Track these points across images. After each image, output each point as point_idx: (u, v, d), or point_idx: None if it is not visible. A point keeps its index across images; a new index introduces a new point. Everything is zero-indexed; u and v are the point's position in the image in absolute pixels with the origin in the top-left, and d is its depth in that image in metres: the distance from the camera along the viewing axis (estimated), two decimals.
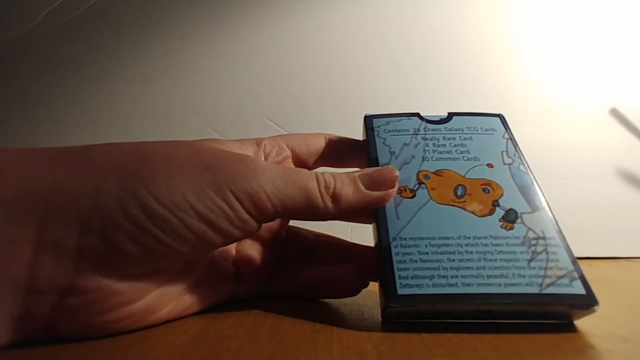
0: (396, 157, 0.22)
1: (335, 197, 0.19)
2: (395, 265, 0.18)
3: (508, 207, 0.20)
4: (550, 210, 0.20)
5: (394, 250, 0.19)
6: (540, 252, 0.18)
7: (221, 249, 0.22)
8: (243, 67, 0.47)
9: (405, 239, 0.19)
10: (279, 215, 0.18)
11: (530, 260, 0.18)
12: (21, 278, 0.15)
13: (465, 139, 0.23)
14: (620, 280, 0.31)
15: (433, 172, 0.22)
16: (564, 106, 0.46)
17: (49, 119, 0.46)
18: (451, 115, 0.25)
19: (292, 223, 0.25)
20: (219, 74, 0.47)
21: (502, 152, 0.23)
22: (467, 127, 0.24)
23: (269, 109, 0.46)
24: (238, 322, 0.19)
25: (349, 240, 0.26)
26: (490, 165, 0.22)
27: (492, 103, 0.46)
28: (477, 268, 0.18)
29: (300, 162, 0.25)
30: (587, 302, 0.17)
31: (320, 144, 0.25)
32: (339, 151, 0.26)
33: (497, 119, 0.25)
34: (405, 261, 0.18)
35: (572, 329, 0.18)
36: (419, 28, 0.47)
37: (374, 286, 0.22)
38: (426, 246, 0.19)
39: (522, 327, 0.17)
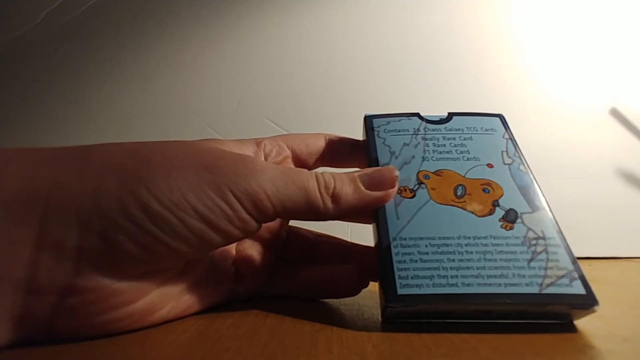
0: (396, 157, 0.22)
1: (335, 197, 0.19)
2: (395, 265, 0.18)
3: (508, 207, 0.20)
4: (550, 210, 0.20)
5: (394, 250, 0.19)
6: (540, 252, 0.18)
7: (221, 249, 0.22)
8: (243, 67, 0.47)
9: (405, 239, 0.19)
10: (278, 215, 0.18)
11: (530, 260, 0.18)
12: (21, 278, 0.15)
13: (465, 139, 0.23)
14: (620, 280, 0.31)
15: (433, 172, 0.22)
16: (564, 106, 0.46)
17: (49, 119, 0.46)
18: (451, 115, 0.25)
19: (292, 223, 0.25)
20: (219, 74, 0.47)
21: (502, 152, 0.23)
22: (467, 127, 0.24)
23: (269, 109, 0.46)
24: (238, 322, 0.19)
25: (349, 240, 0.26)
26: (490, 165, 0.22)
27: (492, 103, 0.46)
28: (477, 268, 0.18)
29: (300, 162, 0.25)
30: (587, 302, 0.17)
31: (320, 144, 0.25)
32: (339, 151, 0.26)
33: (497, 119, 0.25)
34: (405, 261, 0.18)
35: (572, 329, 0.18)
36: (419, 28, 0.47)
37: (374, 286, 0.22)
38: (426, 246, 0.19)
39: (522, 327, 0.17)
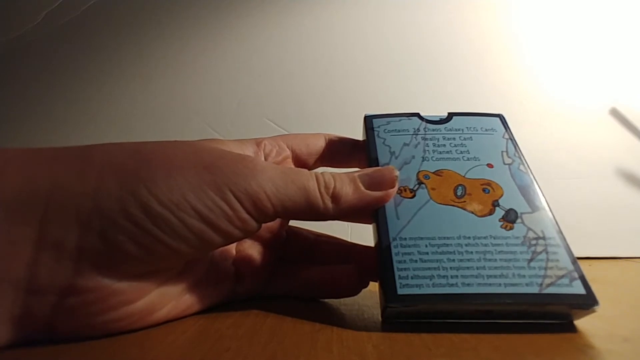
0: (396, 157, 0.22)
1: (335, 197, 0.19)
2: (395, 265, 0.18)
3: (508, 207, 0.20)
4: (550, 210, 0.20)
5: (394, 250, 0.19)
6: (540, 252, 0.18)
7: (221, 249, 0.22)
8: (243, 67, 0.47)
9: (405, 239, 0.19)
10: (278, 215, 0.18)
11: (530, 260, 0.18)
12: (21, 278, 0.15)
13: (465, 139, 0.23)
14: (620, 280, 0.31)
15: (433, 172, 0.22)
16: (564, 106, 0.46)
17: (49, 119, 0.46)
18: (451, 115, 0.25)
19: (292, 223, 0.25)
20: (219, 74, 0.47)
21: (502, 152, 0.23)
22: (467, 127, 0.24)
23: (269, 109, 0.46)
24: (238, 322, 0.19)
25: (349, 240, 0.26)
26: (490, 165, 0.22)
27: (492, 103, 0.46)
28: (477, 268, 0.18)
29: (300, 162, 0.25)
30: (587, 302, 0.17)
31: (320, 144, 0.25)
32: (339, 151, 0.26)
33: (497, 119, 0.25)
34: (405, 261, 0.18)
35: (572, 329, 0.18)
36: (419, 28, 0.47)
37: (374, 286, 0.22)
38: (426, 246, 0.19)
39: (522, 327, 0.17)
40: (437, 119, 0.25)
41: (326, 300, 0.24)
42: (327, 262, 0.24)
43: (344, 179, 0.20)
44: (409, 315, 0.18)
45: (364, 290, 0.23)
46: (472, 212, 0.20)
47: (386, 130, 0.24)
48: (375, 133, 0.24)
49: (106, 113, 0.46)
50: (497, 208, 0.20)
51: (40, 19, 0.47)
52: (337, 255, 0.25)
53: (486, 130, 0.24)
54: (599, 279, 0.27)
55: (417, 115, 0.25)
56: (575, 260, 0.18)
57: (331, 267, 0.23)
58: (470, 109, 0.25)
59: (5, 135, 0.46)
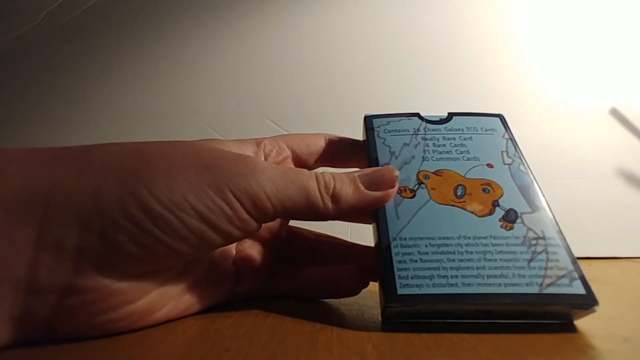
0: (396, 157, 0.22)
1: (335, 197, 0.19)
2: (395, 265, 0.18)
3: (508, 207, 0.20)
4: (550, 210, 0.20)
5: (394, 250, 0.19)
6: (540, 252, 0.18)
7: (221, 249, 0.22)
8: (243, 67, 0.47)
9: (405, 239, 0.19)
10: (278, 215, 0.18)
11: (530, 260, 0.18)
12: (21, 278, 0.15)
13: (465, 139, 0.23)
14: (620, 280, 0.31)
15: (433, 172, 0.22)
16: (564, 106, 0.46)
17: (49, 119, 0.46)
18: (451, 115, 0.25)
19: (292, 223, 0.25)
20: (219, 74, 0.47)
21: (502, 152, 0.23)
22: (467, 127, 0.24)
23: (269, 109, 0.46)
24: (238, 322, 0.19)
25: (349, 240, 0.26)
26: (490, 165, 0.22)
27: (492, 103, 0.46)
28: (477, 268, 0.18)
29: (300, 162, 0.25)
30: (587, 302, 0.17)
31: (320, 144, 0.25)
32: (339, 151, 0.26)
33: (497, 119, 0.25)
34: (405, 261, 0.18)
35: (572, 329, 0.18)
36: (419, 28, 0.47)
37: (374, 286, 0.22)
38: (426, 246, 0.19)
39: (522, 327, 0.17)
40: (437, 119, 0.25)
41: (326, 300, 0.24)
42: (327, 262, 0.24)
43: (344, 179, 0.20)
44: (409, 315, 0.18)
45: (364, 290, 0.23)
46: (472, 212, 0.20)
47: (386, 130, 0.24)
48: (375, 133, 0.24)
49: (106, 113, 0.46)
50: (497, 208, 0.20)
51: (40, 19, 0.47)
52: (337, 255, 0.25)
53: (486, 130, 0.24)
54: (599, 279, 0.27)
55: (417, 115, 0.25)
56: (575, 260, 0.18)
57: (331, 267, 0.23)
58: (470, 109, 0.25)
59: (5, 135, 0.46)
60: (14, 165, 0.16)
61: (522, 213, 0.20)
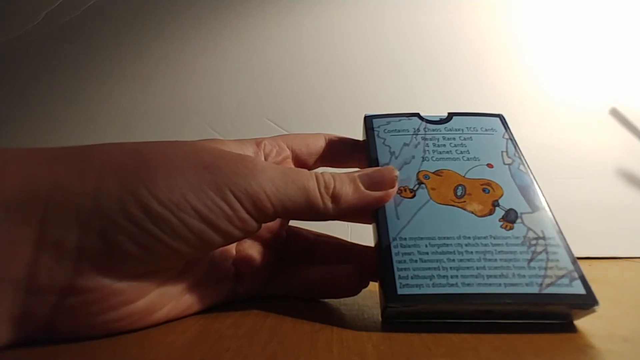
0: (396, 157, 0.22)
1: (335, 197, 0.19)
2: (395, 265, 0.18)
3: (508, 207, 0.20)
4: (550, 210, 0.20)
5: (394, 250, 0.19)
6: (540, 252, 0.18)
7: (221, 249, 0.22)
8: (243, 67, 0.47)
9: (405, 239, 0.19)
10: (278, 215, 0.18)
11: (530, 260, 0.18)
12: (21, 278, 0.15)
13: (465, 139, 0.23)
14: (620, 280, 0.31)
15: (433, 172, 0.22)
16: (564, 106, 0.46)
17: (49, 119, 0.46)
18: (451, 115, 0.25)
19: (292, 223, 0.25)
20: (219, 74, 0.47)
21: (502, 152, 0.23)
22: (467, 127, 0.24)
23: (269, 109, 0.46)
24: (238, 322, 0.19)
25: (349, 240, 0.26)
26: (490, 166, 0.22)
27: (492, 103, 0.46)
28: (477, 268, 0.18)
29: (300, 162, 0.25)
30: (587, 302, 0.17)
31: (320, 144, 0.25)
32: (339, 151, 0.26)
33: (497, 119, 0.25)
34: (405, 261, 0.18)
35: (572, 329, 0.18)
36: (419, 28, 0.47)
37: (374, 286, 0.22)
38: (426, 246, 0.19)
39: (522, 327, 0.17)
40: (437, 119, 0.25)
41: (326, 300, 0.24)
42: (327, 262, 0.24)
43: (344, 179, 0.20)
44: (409, 315, 0.18)
45: (364, 290, 0.23)
46: (472, 212, 0.20)
47: (386, 130, 0.24)
48: (375, 133, 0.24)
49: (106, 113, 0.46)
50: (497, 208, 0.20)
51: (40, 19, 0.47)
52: (337, 255, 0.25)
53: (486, 130, 0.24)
54: (599, 279, 0.27)
55: (417, 115, 0.25)
56: (575, 260, 0.18)
57: (331, 267, 0.23)
58: (470, 109, 0.25)
59: (5, 135, 0.46)
60: (14, 165, 0.16)
61: (522, 213, 0.20)
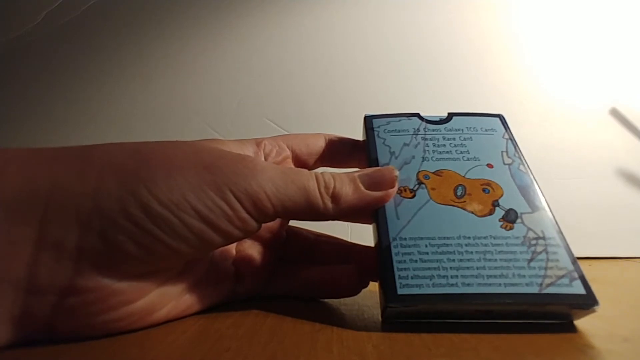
0: (396, 157, 0.22)
1: (335, 197, 0.19)
2: (395, 265, 0.18)
3: (508, 207, 0.20)
4: (550, 210, 0.20)
5: (394, 250, 0.19)
6: (540, 252, 0.18)
7: (221, 249, 0.22)
8: (243, 67, 0.47)
9: (405, 239, 0.19)
10: (278, 215, 0.18)
11: (530, 260, 0.18)
12: (21, 278, 0.15)
13: (465, 139, 0.23)
14: (620, 280, 0.31)
15: (433, 172, 0.22)
16: (564, 106, 0.46)
17: (49, 119, 0.46)
18: (451, 115, 0.25)
19: (292, 223, 0.25)
20: (219, 74, 0.47)
21: (502, 152, 0.23)
22: (467, 128, 0.24)
23: (269, 109, 0.46)
24: (238, 322, 0.19)
25: (349, 240, 0.26)
26: (490, 166, 0.22)
27: (492, 103, 0.46)
28: (477, 268, 0.18)
29: (300, 162, 0.25)
30: (587, 302, 0.17)
31: (320, 144, 0.25)
32: (339, 151, 0.26)
33: (497, 119, 0.25)
34: (405, 261, 0.18)
35: (572, 329, 0.18)
36: (419, 28, 0.47)
37: (374, 286, 0.22)
38: (426, 246, 0.19)
39: (522, 327, 0.17)
40: (437, 119, 0.25)
41: (326, 300, 0.24)
42: (327, 262, 0.24)
43: (344, 179, 0.20)
44: (409, 315, 0.18)
45: (364, 290, 0.23)
46: (472, 212, 0.20)
47: (386, 131, 0.24)
48: (375, 133, 0.24)
49: (106, 113, 0.46)
50: (497, 208, 0.20)
51: (40, 19, 0.47)
52: (337, 255, 0.25)
53: (486, 130, 0.24)
54: (599, 279, 0.27)
55: (417, 115, 0.25)
56: (575, 260, 0.18)
57: (331, 267, 0.23)
58: (470, 109, 0.25)
59: (5, 135, 0.46)
60: (14, 165, 0.16)
61: (522, 213, 0.20)
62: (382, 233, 0.19)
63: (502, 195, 0.21)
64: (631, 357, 0.15)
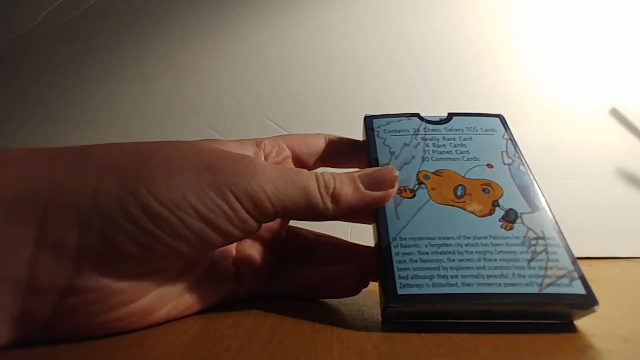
0: (396, 158, 0.22)
1: (334, 197, 0.19)
2: (395, 265, 0.18)
3: (508, 207, 0.20)
4: (550, 210, 0.20)
5: (394, 250, 0.19)
6: (540, 252, 0.18)
7: (221, 249, 0.22)
8: (243, 67, 0.47)
9: (405, 239, 0.19)
10: (278, 215, 0.18)
11: (530, 260, 0.18)
12: (21, 278, 0.15)
13: (465, 139, 0.23)
14: (620, 280, 0.31)
15: (433, 172, 0.22)
16: (564, 106, 0.46)
17: (49, 119, 0.46)
18: (451, 115, 0.25)
19: (292, 223, 0.25)
20: (219, 74, 0.47)
21: (501, 152, 0.23)
22: (466, 128, 0.24)
23: (269, 109, 0.46)
24: (238, 322, 0.19)
25: (349, 240, 0.26)
26: (490, 166, 0.22)
27: (492, 103, 0.46)
28: (477, 268, 0.18)
29: (300, 162, 0.25)
30: (587, 302, 0.17)
31: (320, 144, 0.25)
32: (339, 151, 0.26)
33: (497, 119, 0.25)
34: (405, 261, 0.18)
35: (572, 329, 0.18)
36: (419, 28, 0.47)
37: (374, 286, 0.22)
38: (426, 246, 0.19)
39: (522, 327, 0.17)
40: (437, 119, 0.25)
41: (326, 300, 0.24)
42: (327, 262, 0.24)
43: (343, 179, 0.20)
44: (409, 315, 0.18)
45: (364, 290, 0.23)
46: (472, 212, 0.20)
47: (386, 131, 0.24)
48: (375, 133, 0.24)
49: (106, 113, 0.46)
50: (497, 208, 0.20)
51: (40, 19, 0.47)
52: (337, 255, 0.25)
53: (486, 130, 0.24)
54: (599, 279, 0.27)
55: (417, 115, 0.25)
56: (575, 260, 0.18)
57: (331, 267, 0.23)
58: (470, 109, 0.25)
59: (5, 135, 0.46)
60: (14, 165, 0.16)
61: (522, 213, 0.20)
62: (382, 233, 0.19)
63: (502, 195, 0.21)
64: (631, 357, 0.15)
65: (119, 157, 0.17)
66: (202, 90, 0.47)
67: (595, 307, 0.17)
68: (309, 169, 0.24)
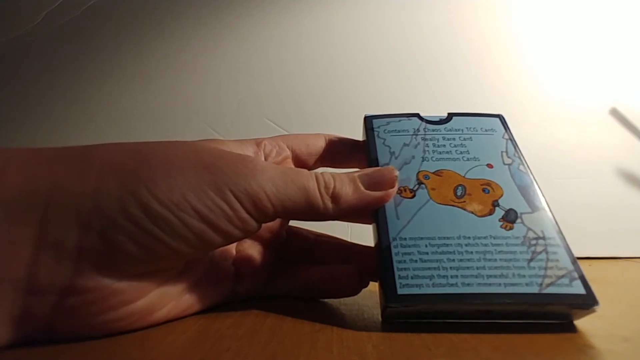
0: (396, 158, 0.22)
1: (334, 197, 0.19)
2: (395, 265, 0.18)
3: (508, 207, 0.20)
4: (550, 210, 0.20)
5: (394, 250, 0.19)
6: (540, 252, 0.18)
7: (221, 249, 0.22)
8: (243, 67, 0.47)
9: (405, 239, 0.19)
10: (278, 215, 0.18)
11: (530, 260, 0.18)
12: (21, 278, 0.15)
13: (465, 139, 0.23)
14: (620, 280, 0.31)
15: (433, 172, 0.22)
16: (564, 106, 0.46)
17: (49, 119, 0.46)
18: (451, 115, 0.25)
19: (292, 223, 0.25)
20: (219, 74, 0.47)
21: (501, 152, 0.23)
22: (466, 128, 0.24)
23: (269, 109, 0.46)
24: (238, 322, 0.19)
25: (349, 240, 0.26)
26: (490, 166, 0.22)
27: (492, 103, 0.46)
28: (477, 268, 0.18)
29: (300, 162, 0.25)
30: (587, 302, 0.17)
31: (320, 144, 0.25)
32: (339, 151, 0.26)
33: (497, 119, 0.25)
34: (405, 261, 0.18)
35: (572, 329, 0.18)
36: (419, 28, 0.47)
37: (374, 286, 0.22)
38: (426, 246, 0.19)
39: (522, 327, 0.17)
40: (437, 119, 0.25)
41: (326, 300, 0.24)
42: (327, 262, 0.24)
43: (343, 179, 0.20)
44: (409, 315, 0.18)
45: (364, 290, 0.23)
46: (472, 212, 0.20)
47: (386, 131, 0.24)
48: (375, 133, 0.24)
49: (106, 113, 0.46)
50: (497, 208, 0.20)
51: (40, 19, 0.47)
52: (337, 255, 0.25)
53: (486, 130, 0.24)
54: (599, 279, 0.27)
55: (417, 115, 0.25)
56: (575, 260, 0.18)
57: (331, 267, 0.23)
58: (470, 109, 0.25)
59: (5, 135, 0.46)
60: (14, 165, 0.16)
61: (522, 213, 0.20)
62: (382, 233, 0.19)
63: (502, 195, 0.21)
64: (631, 357, 0.15)
65: (119, 157, 0.17)
66: (202, 90, 0.47)
67: (595, 307, 0.17)
68: (309, 169, 0.24)
